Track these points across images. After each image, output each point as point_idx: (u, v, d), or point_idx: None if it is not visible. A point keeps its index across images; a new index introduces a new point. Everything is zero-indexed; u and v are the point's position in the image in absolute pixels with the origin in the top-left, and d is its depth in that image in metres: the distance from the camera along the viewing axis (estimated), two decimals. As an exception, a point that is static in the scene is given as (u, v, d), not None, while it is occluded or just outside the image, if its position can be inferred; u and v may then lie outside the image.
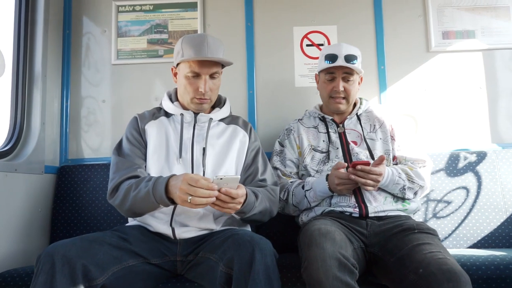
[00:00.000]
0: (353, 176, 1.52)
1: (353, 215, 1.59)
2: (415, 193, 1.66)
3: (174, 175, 1.37)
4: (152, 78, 2.27)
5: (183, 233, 1.50)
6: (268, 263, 1.23)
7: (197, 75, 1.55)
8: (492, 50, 2.22)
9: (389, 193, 1.65)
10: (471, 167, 2.04)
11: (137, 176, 1.48)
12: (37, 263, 1.20)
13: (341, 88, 1.71)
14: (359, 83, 1.80)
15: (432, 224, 1.96)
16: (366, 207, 1.59)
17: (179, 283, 1.51)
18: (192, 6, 2.28)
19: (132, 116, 1.67)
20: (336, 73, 1.72)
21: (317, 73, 1.85)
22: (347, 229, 1.52)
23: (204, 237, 1.49)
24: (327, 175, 1.63)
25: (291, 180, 1.77)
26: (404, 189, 1.62)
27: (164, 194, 1.33)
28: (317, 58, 2.16)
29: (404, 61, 2.24)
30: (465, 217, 1.97)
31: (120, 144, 1.61)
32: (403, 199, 1.67)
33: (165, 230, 1.50)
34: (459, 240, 1.95)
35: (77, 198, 2.07)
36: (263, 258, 1.23)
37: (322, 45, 2.25)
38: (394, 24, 2.26)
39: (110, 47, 2.29)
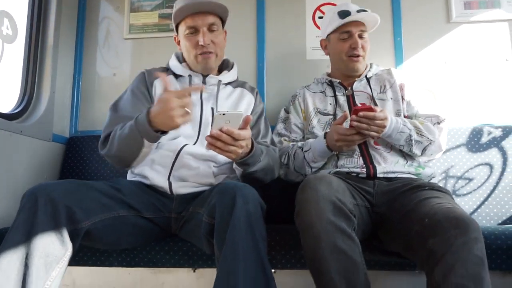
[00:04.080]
0: (355, 123, 1.41)
1: (360, 175, 1.48)
2: (424, 149, 1.50)
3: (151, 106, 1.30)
4: (163, 52, 2.22)
5: (179, 188, 1.42)
6: (251, 210, 1.13)
7: (194, 30, 1.52)
8: (520, 20, 2.06)
9: (401, 155, 1.53)
10: (495, 142, 1.88)
11: None
12: (21, 202, 1.17)
13: (360, 45, 1.63)
14: None
15: (451, 202, 1.81)
16: (374, 167, 1.48)
17: (172, 242, 1.45)
18: (203, -22, 2.26)
19: None
20: (352, 30, 1.64)
21: (325, 38, 1.75)
22: (351, 186, 1.41)
23: (199, 194, 1.42)
24: (325, 133, 1.53)
25: (292, 143, 1.68)
26: (411, 140, 1.47)
27: (146, 122, 1.26)
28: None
29: (422, 33, 2.11)
30: (489, 195, 1.81)
31: (120, 99, 1.56)
32: (416, 162, 1.55)
33: (162, 183, 1.42)
34: (481, 220, 1.78)
35: (83, 168, 2.06)
36: (245, 204, 1.13)
37: (335, 17, 2.17)
38: (412, -7, 2.14)
39: (122, 22, 2.30)
